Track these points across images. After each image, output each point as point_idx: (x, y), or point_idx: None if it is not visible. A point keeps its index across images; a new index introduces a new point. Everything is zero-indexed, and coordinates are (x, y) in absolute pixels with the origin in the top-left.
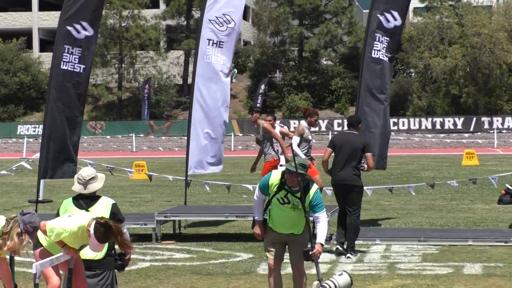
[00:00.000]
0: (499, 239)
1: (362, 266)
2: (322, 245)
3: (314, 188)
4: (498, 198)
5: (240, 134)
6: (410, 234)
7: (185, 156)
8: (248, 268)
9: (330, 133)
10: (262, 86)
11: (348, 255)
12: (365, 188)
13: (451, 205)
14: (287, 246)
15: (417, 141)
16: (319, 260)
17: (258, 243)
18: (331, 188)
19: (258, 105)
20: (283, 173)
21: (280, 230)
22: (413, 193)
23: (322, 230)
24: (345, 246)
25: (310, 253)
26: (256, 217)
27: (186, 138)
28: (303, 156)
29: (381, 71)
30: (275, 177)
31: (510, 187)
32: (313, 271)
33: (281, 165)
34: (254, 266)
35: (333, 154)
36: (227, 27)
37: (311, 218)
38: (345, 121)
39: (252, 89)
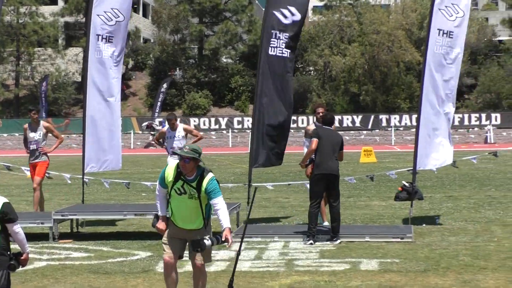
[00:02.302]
0: (395, 235)
1: (260, 263)
2: (230, 229)
3: (209, 176)
4: (395, 195)
5: (140, 132)
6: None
7: (82, 154)
8: (146, 266)
9: (230, 130)
10: (165, 85)
11: (339, 240)
12: (264, 184)
13: (349, 202)
14: (187, 244)
15: None
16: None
17: (156, 241)
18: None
19: (159, 103)
20: (178, 164)
21: (180, 224)
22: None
23: (224, 215)
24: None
25: (224, 239)
26: (159, 213)
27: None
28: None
29: (280, 69)
30: (170, 167)
31: (406, 184)
32: (212, 268)
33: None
34: (152, 264)
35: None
36: (116, 21)
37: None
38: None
39: (152, 86)
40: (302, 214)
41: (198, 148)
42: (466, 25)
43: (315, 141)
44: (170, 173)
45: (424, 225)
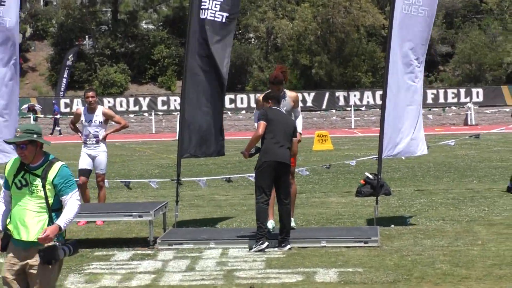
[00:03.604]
0: (357, 238)
1: (193, 275)
2: (60, 228)
3: (59, 163)
4: (356, 190)
5: (42, 116)
6: (251, 235)
7: None
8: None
9: (153, 113)
10: (70, 57)
11: (289, 246)
12: (195, 179)
13: (300, 198)
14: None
15: None
16: None
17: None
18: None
19: (64, 79)
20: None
21: (18, 236)
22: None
23: (67, 212)
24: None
25: (39, 237)
26: None
27: None
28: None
29: (212, 37)
30: (11, 161)
31: (370, 176)
32: (134, 283)
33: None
34: (60, 278)
35: None
36: None
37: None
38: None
39: (56, 59)
40: (243, 214)
41: (34, 127)
42: None
43: (262, 124)
44: (12, 166)
45: (392, 226)
